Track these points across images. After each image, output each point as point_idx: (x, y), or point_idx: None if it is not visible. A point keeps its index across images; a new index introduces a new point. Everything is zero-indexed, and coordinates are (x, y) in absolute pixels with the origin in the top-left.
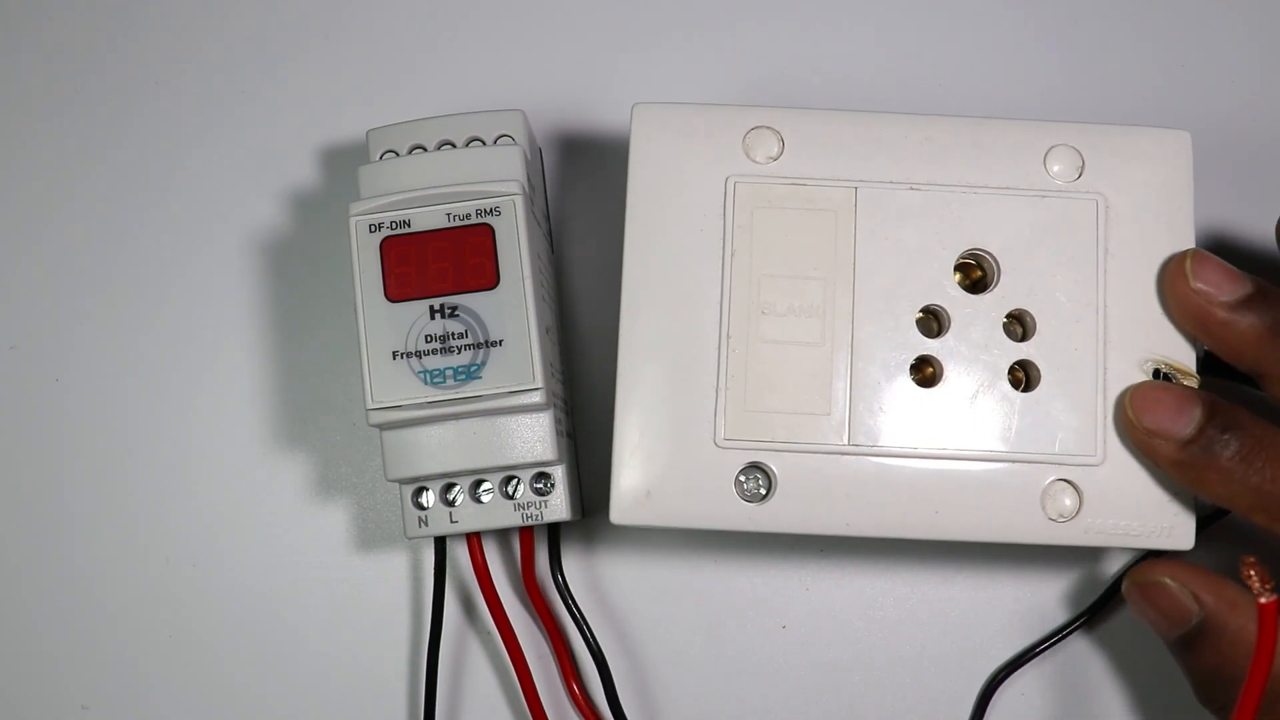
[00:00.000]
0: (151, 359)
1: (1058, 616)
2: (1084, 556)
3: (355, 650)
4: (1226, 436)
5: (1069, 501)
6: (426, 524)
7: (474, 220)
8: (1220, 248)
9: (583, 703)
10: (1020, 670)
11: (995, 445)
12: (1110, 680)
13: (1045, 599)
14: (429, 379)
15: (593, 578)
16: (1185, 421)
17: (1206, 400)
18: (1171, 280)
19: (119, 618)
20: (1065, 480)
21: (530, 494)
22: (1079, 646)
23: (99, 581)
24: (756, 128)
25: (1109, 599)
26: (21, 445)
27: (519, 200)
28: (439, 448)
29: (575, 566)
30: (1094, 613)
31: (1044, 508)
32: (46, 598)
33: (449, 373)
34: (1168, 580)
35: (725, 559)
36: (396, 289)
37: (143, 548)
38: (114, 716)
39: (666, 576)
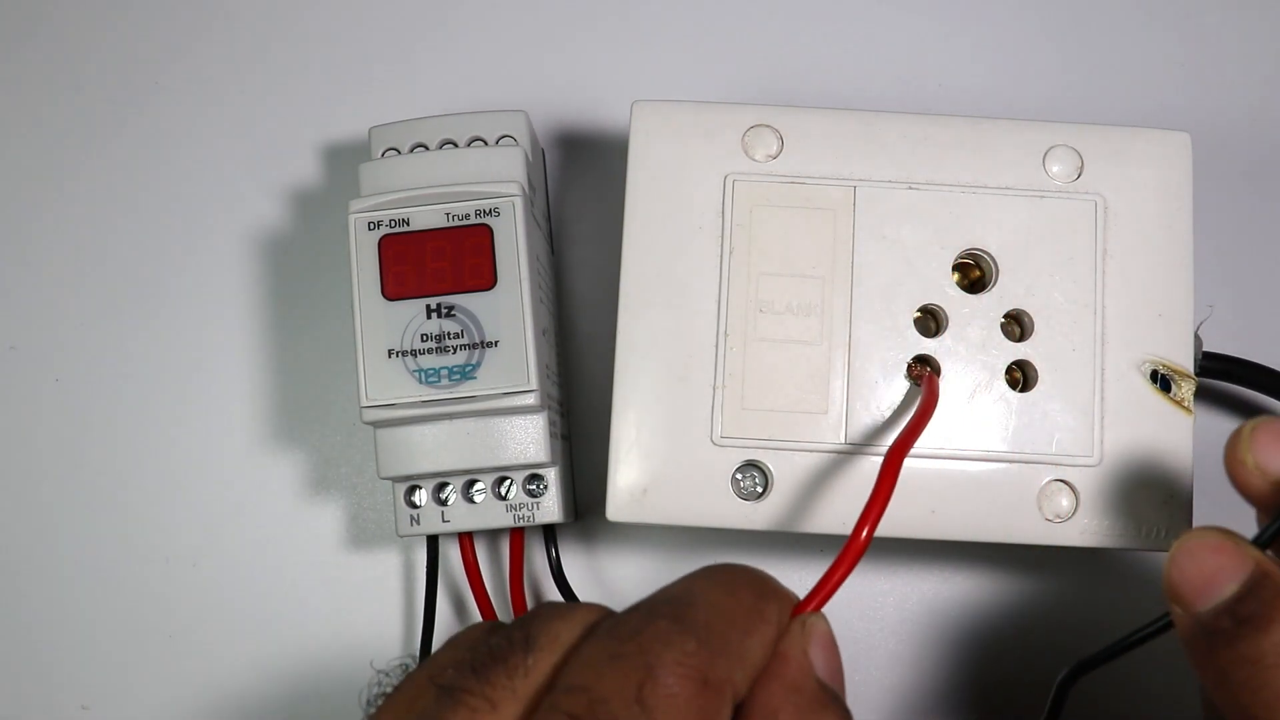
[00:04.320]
0: (151, 358)
1: (1056, 617)
2: (1081, 557)
3: (352, 648)
4: (1247, 629)
5: (1065, 502)
6: (418, 522)
7: (473, 220)
8: (1219, 249)
9: None
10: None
11: (992, 445)
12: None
13: (1044, 599)
14: (424, 378)
15: (592, 578)
16: (1209, 595)
17: (1254, 574)
18: (1230, 451)
19: (119, 618)
20: (1062, 481)
21: (523, 495)
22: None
23: (99, 581)
24: (756, 126)
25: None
26: (21, 445)
27: (518, 202)
28: (432, 447)
29: (574, 567)
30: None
31: (1040, 508)
32: (46, 598)
33: (444, 372)
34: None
35: (723, 558)
36: (394, 287)
37: (142, 548)
38: (114, 716)
39: (665, 577)
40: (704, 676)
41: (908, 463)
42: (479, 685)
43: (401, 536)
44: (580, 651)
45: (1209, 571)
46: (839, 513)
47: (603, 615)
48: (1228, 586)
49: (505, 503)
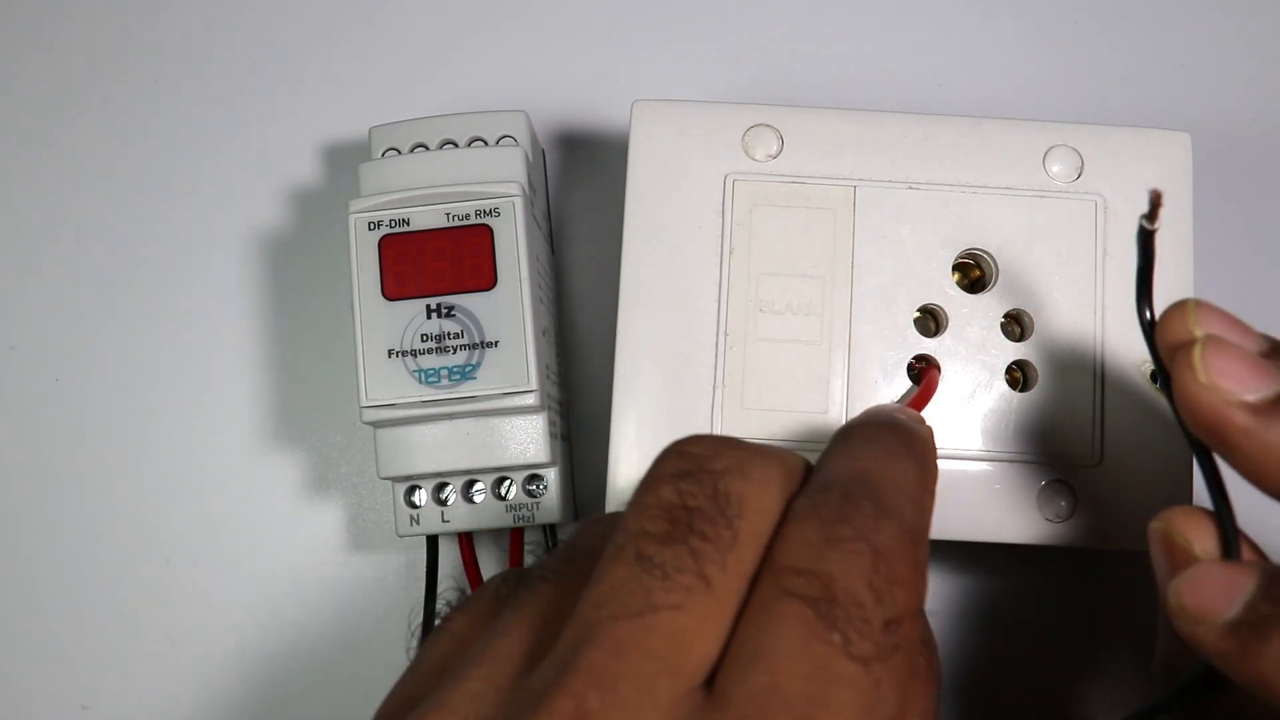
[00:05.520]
0: (151, 358)
1: (1056, 617)
2: (1081, 557)
3: (353, 649)
4: None
5: (1065, 502)
6: (418, 522)
7: (473, 221)
8: (1219, 249)
9: None
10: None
11: (992, 445)
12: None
13: (1043, 600)
14: (424, 378)
15: None
16: (1233, 597)
17: (1265, 571)
18: (1178, 372)
19: (119, 618)
20: (1062, 481)
21: (522, 495)
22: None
23: (99, 581)
24: (756, 125)
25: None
26: (21, 445)
27: (518, 202)
28: (432, 447)
29: None
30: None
31: (1040, 508)
32: (47, 597)
33: (444, 372)
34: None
35: None
36: (394, 287)
37: (143, 548)
38: (114, 716)
39: None
40: (913, 560)
41: None
42: (690, 560)
43: (401, 536)
44: (791, 531)
45: (1222, 583)
46: None
47: (787, 479)
48: (1247, 586)
49: (505, 503)
